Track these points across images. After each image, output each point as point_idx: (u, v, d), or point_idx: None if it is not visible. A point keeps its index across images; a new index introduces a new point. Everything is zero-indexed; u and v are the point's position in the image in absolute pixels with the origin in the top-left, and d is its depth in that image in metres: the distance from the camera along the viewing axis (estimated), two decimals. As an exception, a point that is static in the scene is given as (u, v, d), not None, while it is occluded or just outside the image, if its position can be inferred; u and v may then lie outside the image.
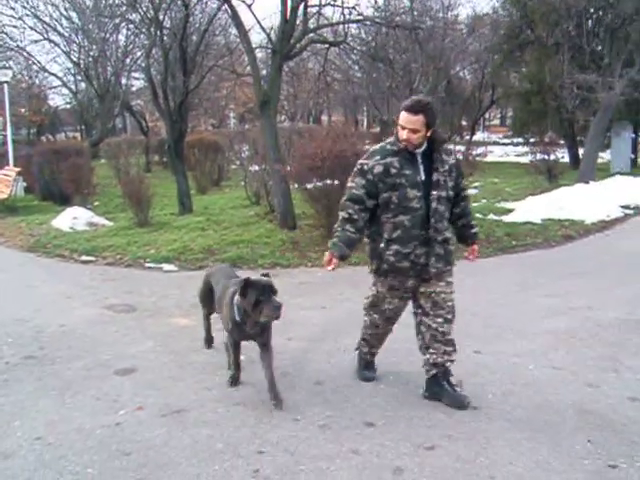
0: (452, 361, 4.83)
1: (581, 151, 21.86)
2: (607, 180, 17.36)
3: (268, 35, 13.75)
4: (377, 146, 4.84)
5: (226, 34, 22.92)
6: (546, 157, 18.19)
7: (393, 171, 4.59)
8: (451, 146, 7.84)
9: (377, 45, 19.60)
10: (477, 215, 12.62)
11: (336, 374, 5.37)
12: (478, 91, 33.94)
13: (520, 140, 30.39)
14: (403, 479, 3.83)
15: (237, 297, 4.69)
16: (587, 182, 16.19)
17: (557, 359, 5.63)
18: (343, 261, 4.75)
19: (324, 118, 48.65)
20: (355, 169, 4.76)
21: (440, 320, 4.76)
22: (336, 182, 10.04)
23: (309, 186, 10.90)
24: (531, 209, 12.86)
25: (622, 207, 14.86)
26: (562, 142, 24.74)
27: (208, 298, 5.59)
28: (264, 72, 16.15)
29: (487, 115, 51.33)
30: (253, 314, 4.60)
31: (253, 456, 4.11)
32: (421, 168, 4.65)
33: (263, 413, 4.69)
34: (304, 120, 40.40)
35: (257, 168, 14.79)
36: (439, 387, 4.81)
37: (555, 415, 4.60)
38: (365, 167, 4.68)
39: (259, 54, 19.98)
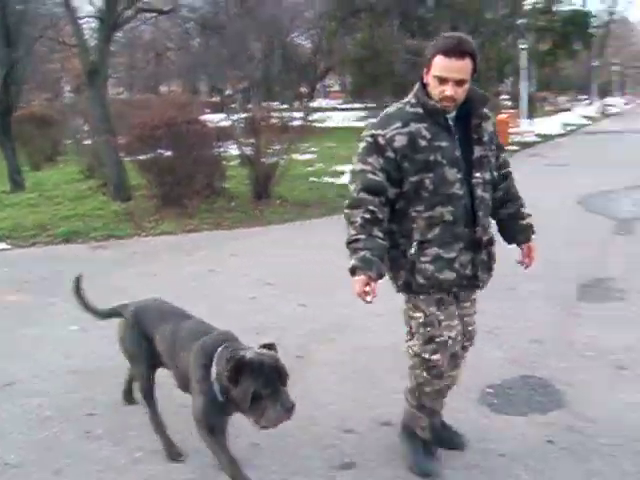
0: None
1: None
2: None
3: (93, 4, 13.41)
4: (392, 108, 3.36)
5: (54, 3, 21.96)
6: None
7: (422, 143, 3.19)
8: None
9: (208, 13, 19.51)
10: (312, 179, 13.05)
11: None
12: (314, 57, 34.49)
13: (358, 105, 31.30)
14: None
15: (214, 368, 3.17)
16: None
17: (379, 307, 6.00)
18: (380, 279, 3.14)
19: (164, 89, 47.74)
20: (364, 143, 3.27)
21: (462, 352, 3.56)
22: (168, 153, 10.09)
23: (143, 157, 10.86)
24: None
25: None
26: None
27: (145, 351, 3.72)
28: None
29: (328, 81, 52.21)
30: (249, 413, 3.05)
31: (83, 419, 4.19)
32: (456, 138, 3.29)
33: (95, 380, 4.74)
34: (141, 91, 39.50)
35: (90, 141, 14.49)
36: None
37: (373, 357, 4.95)
38: (381, 139, 3.20)
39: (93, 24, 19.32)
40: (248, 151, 11.54)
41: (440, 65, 3.14)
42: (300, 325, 5.65)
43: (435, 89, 3.19)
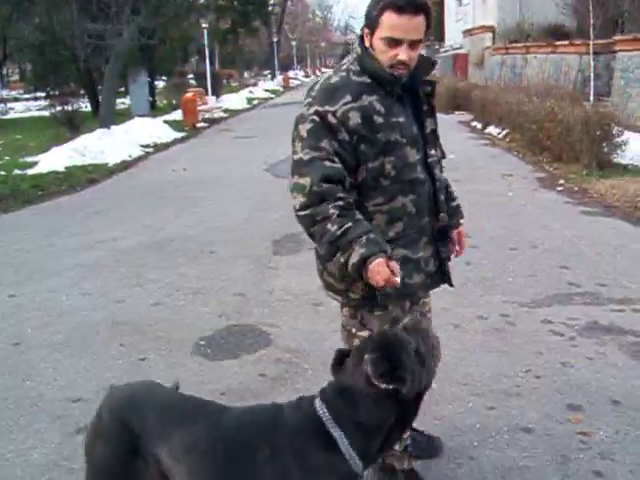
0: None
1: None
2: (128, 123, 18.27)
3: None
4: (334, 77, 2.67)
5: None
6: (66, 108, 18.44)
7: (378, 120, 2.60)
8: None
9: None
10: (2, 172, 12.50)
11: None
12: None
13: (41, 94, 29.92)
14: None
15: (337, 432, 2.07)
16: (108, 127, 16.86)
17: (87, 286, 6.15)
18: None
19: None
20: (309, 124, 2.58)
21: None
22: None
23: None
24: (55, 159, 13.10)
25: (143, 146, 15.95)
26: (83, 92, 25.11)
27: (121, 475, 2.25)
28: None
29: (5, 71, 48.91)
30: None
31: None
32: (410, 112, 2.75)
33: None
34: None
35: None
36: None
37: (91, 332, 5.11)
38: (331, 117, 2.55)
39: None
40: None
41: (391, 24, 2.54)
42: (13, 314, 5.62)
43: (384, 54, 2.59)
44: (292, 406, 2.21)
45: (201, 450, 2.12)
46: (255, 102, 32.96)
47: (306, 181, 2.50)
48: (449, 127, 18.05)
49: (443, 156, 2.94)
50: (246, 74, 58.12)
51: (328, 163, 2.51)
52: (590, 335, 4.73)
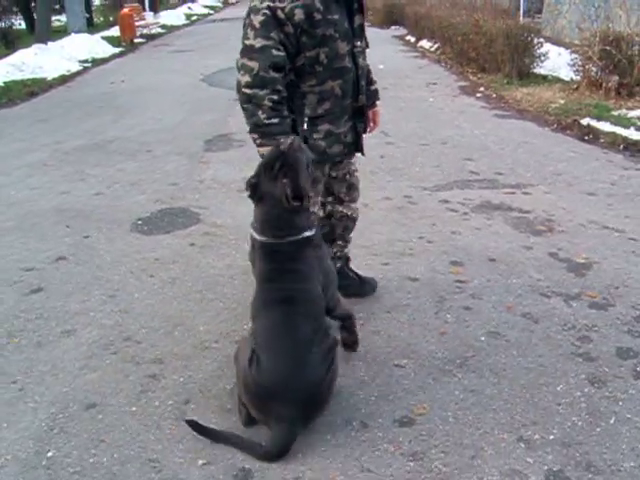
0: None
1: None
2: (65, 39, 18.20)
3: None
4: None
5: None
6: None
7: (317, 17, 3.11)
8: None
9: None
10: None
11: None
12: None
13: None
14: None
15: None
16: (45, 43, 16.82)
17: (34, 182, 6.64)
18: None
19: None
20: (260, 17, 3.05)
21: (355, 205, 3.91)
22: None
23: None
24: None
25: (81, 62, 16.06)
26: (16, 9, 24.63)
27: None
28: None
29: None
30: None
31: None
32: (344, 10, 3.27)
33: None
34: None
35: None
36: (345, 278, 3.94)
37: (39, 218, 5.62)
38: (280, 12, 3.03)
39: None
40: None
41: None
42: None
43: None
44: None
45: None
46: (194, 18, 32.64)
47: (255, 65, 3.02)
48: (384, 41, 18.54)
49: (367, 46, 3.48)
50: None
51: (275, 52, 3.02)
52: (481, 211, 5.48)
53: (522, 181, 6.22)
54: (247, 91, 3.06)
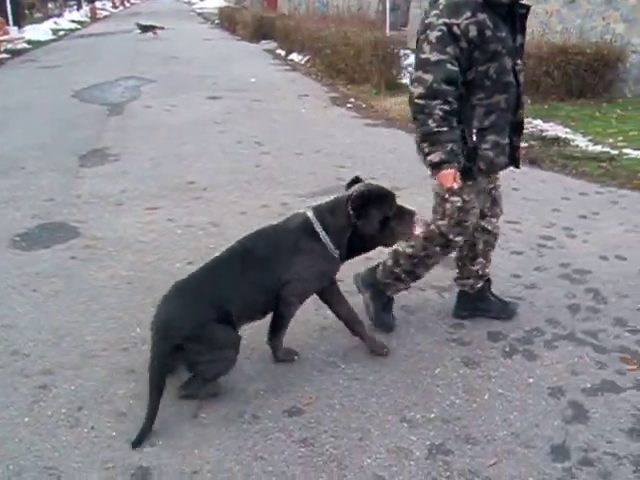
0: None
1: None
2: None
3: None
4: None
5: None
6: None
7: (488, 33, 3.30)
8: None
9: None
10: None
11: None
12: None
13: None
14: None
15: (320, 230, 3.28)
16: None
17: None
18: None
19: None
20: (437, 32, 3.25)
21: (495, 221, 3.86)
22: None
23: None
24: None
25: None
26: None
27: None
28: None
29: None
30: (380, 238, 3.39)
31: None
32: (509, 29, 3.45)
33: None
34: None
35: None
36: (484, 301, 4.01)
37: None
38: (456, 28, 3.23)
39: None
40: None
41: None
42: None
43: None
44: (288, 217, 3.46)
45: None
46: (61, 33, 31.75)
47: (429, 77, 3.18)
48: (255, 55, 18.83)
49: (524, 64, 3.70)
50: (50, 4, 55.10)
51: (449, 66, 3.20)
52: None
53: (394, 184, 6.54)
54: (420, 102, 3.22)
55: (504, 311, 3.99)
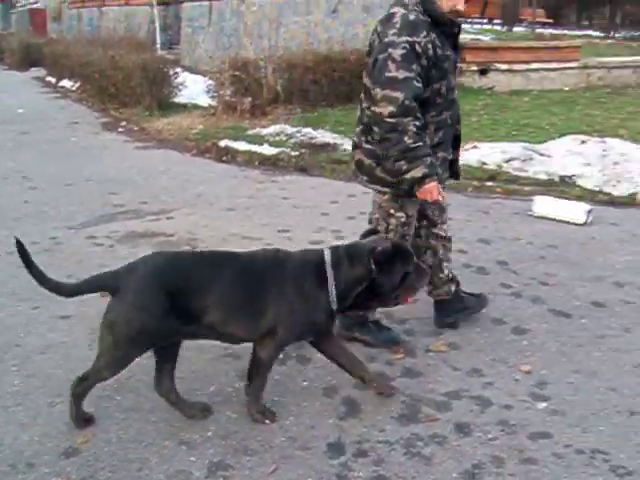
0: None
1: None
2: None
3: None
4: (411, 15, 3.36)
5: None
6: None
7: (439, 52, 3.39)
8: None
9: None
10: None
11: None
12: None
13: None
14: None
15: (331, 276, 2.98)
16: None
17: None
18: None
19: None
20: (401, 50, 3.26)
21: (446, 226, 3.94)
22: None
23: None
24: None
25: None
26: None
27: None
28: None
29: None
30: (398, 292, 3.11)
31: None
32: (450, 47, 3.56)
33: None
34: None
35: None
36: (462, 301, 4.06)
37: None
38: (417, 47, 3.28)
39: None
40: None
41: None
42: None
43: (447, 2, 3.40)
44: (300, 251, 3.17)
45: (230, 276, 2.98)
46: None
47: (400, 95, 3.20)
48: (23, 83, 18.00)
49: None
50: None
51: (416, 83, 3.24)
52: (127, 242, 5.63)
53: (166, 207, 6.51)
54: (391, 120, 3.23)
55: (481, 303, 4.15)
